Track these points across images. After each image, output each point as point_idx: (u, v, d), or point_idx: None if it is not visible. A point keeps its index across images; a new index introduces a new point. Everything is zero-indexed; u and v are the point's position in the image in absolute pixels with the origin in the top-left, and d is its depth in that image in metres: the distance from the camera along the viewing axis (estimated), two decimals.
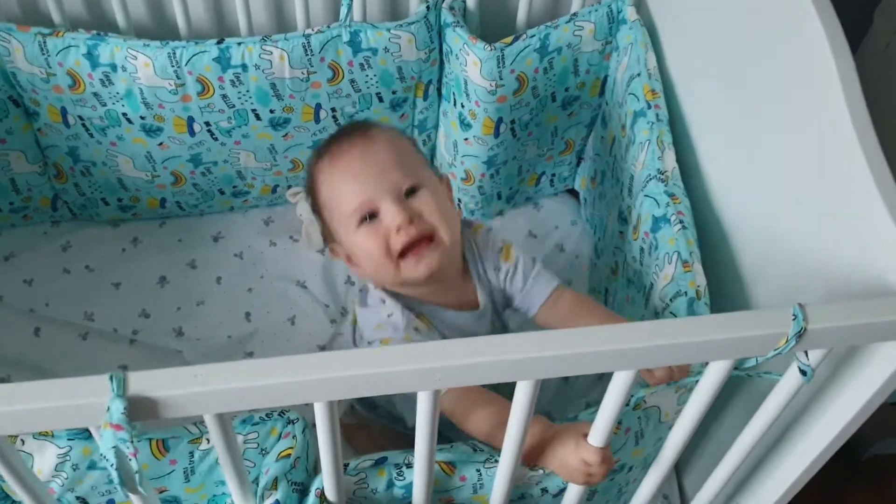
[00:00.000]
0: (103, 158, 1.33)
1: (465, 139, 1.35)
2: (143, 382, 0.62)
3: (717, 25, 1.09)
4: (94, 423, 0.63)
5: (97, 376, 0.62)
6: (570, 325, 1.01)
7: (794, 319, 0.69)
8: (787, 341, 0.70)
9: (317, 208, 1.03)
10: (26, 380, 1.21)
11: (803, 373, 0.75)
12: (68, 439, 0.82)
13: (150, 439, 0.83)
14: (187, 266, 1.43)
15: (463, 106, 1.31)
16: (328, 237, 1.04)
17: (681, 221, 1.06)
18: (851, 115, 0.81)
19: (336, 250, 1.03)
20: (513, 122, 1.32)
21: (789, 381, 0.79)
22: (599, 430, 0.79)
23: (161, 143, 1.30)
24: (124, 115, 1.26)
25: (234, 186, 1.42)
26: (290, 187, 1.46)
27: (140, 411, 0.62)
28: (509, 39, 1.23)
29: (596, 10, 1.27)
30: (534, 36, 1.24)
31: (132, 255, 1.43)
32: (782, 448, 0.94)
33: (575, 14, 1.27)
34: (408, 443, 0.80)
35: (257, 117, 1.28)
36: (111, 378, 0.61)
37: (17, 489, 0.72)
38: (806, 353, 0.74)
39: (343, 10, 1.21)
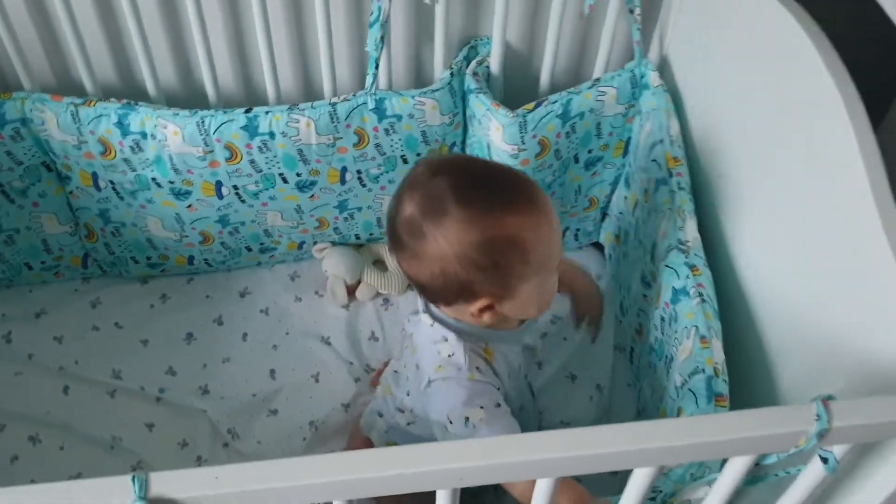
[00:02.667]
0: (133, 220, 1.36)
1: None
2: (165, 484, 0.63)
3: (743, 93, 1.09)
4: None
5: (119, 477, 0.63)
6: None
7: (817, 419, 0.69)
8: (807, 440, 0.69)
9: (509, 266, 0.94)
10: (55, 438, 1.24)
11: (825, 460, 0.75)
12: None
13: None
14: (214, 322, 1.45)
15: None
16: (494, 291, 0.96)
17: (700, 294, 1.06)
18: (873, 190, 0.81)
19: (482, 301, 0.96)
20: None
21: (812, 471, 0.78)
22: None
23: (190, 206, 1.33)
24: (153, 179, 1.28)
25: (261, 244, 1.44)
26: (315, 243, 1.47)
27: None
28: (531, 105, 1.24)
29: (619, 76, 1.27)
30: (556, 102, 1.25)
31: (160, 312, 1.46)
32: None
33: (598, 80, 1.28)
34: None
35: (284, 181, 1.30)
36: (133, 479, 0.62)
37: None
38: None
39: (369, 80, 1.23)
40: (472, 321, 0.99)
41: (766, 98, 1.03)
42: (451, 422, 0.94)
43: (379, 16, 1.18)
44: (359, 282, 1.47)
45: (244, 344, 1.43)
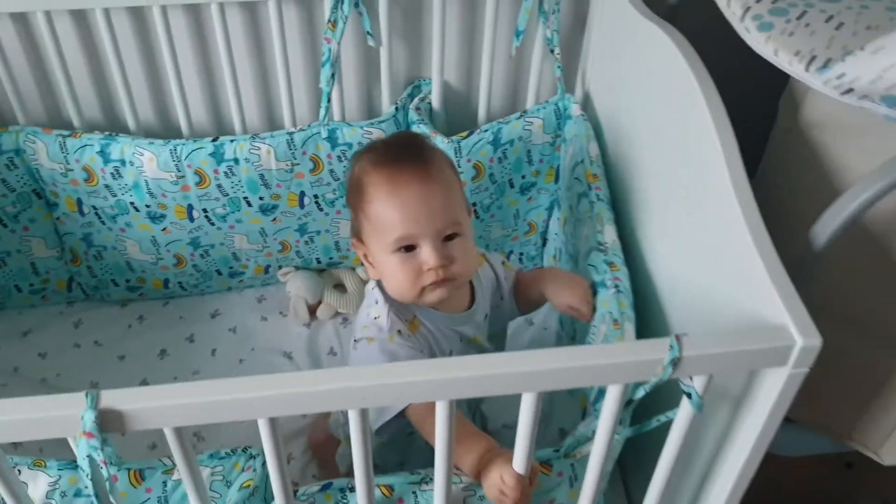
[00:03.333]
0: (113, 243, 1.51)
1: None
2: (113, 397, 0.75)
3: (649, 120, 1.24)
4: (70, 433, 0.76)
5: (75, 393, 0.76)
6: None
7: (670, 349, 0.82)
8: (664, 368, 0.82)
9: (355, 205, 1.06)
10: (33, 441, 1.35)
11: (689, 395, 0.87)
12: (58, 469, 0.96)
13: (129, 469, 0.96)
14: (186, 340, 1.58)
15: None
16: (354, 231, 1.10)
17: (616, 286, 1.19)
18: (738, 199, 0.94)
19: (358, 246, 1.10)
20: (474, 205, 1.48)
21: (683, 413, 0.90)
22: (517, 455, 0.91)
23: (164, 229, 1.48)
24: (132, 203, 1.44)
25: (231, 267, 1.58)
26: (280, 267, 1.62)
27: (110, 422, 0.75)
28: (465, 133, 1.41)
29: (544, 108, 1.44)
30: (487, 130, 1.42)
31: (137, 331, 1.59)
32: (714, 472, 1.03)
33: (525, 111, 1.45)
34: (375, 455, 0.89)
35: (248, 204, 1.46)
36: (87, 394, 0.75)
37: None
38: (691, 379, 0.86)
39: (321, 112, 1.40)
40: (375, 276, 1.09)
41: (665, 124, 1.17)
42: None
43: (329, 56, 1.35)
44: (320, 302, 1.61)
45: (213, 359, 1.55)
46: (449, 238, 1.04)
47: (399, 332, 1.06)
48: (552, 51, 1.41)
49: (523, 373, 0.80)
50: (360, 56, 1.44)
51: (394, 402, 0.81)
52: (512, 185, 1.51)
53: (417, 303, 1.07)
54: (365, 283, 1.64)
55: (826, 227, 0.95)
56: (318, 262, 1.62)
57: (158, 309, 1.63)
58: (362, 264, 1.60)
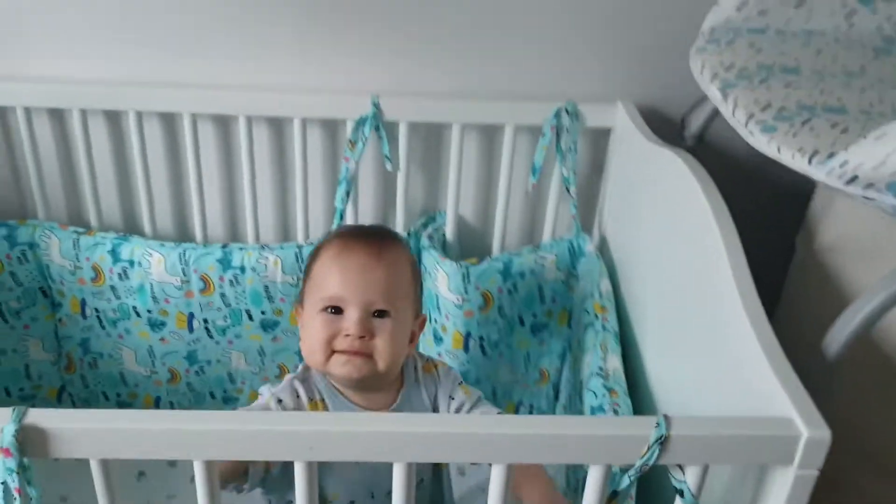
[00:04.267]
0: (110, 350, 1.48)
1: (439, 354, 1.45)
2: (40, 415, 0.70)
3: (656, 255, 1.22)
4: None
5: (4, 408, 0.70)
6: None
7: (657, 427, 0.74)
8: (650, 448, 0.73)
9: (307, 268, 1.11)
10: None
11: (681, 494, 0.77)
12: None
13: None
14: (167, 463, 1.49)
15: (436, 321, 1.43)
16: (299, 297, 1.13)
17: (615, 411, 1.11)
18: (756, 331, 0.89)
19: (298, 313, 1.11)
20: (481, 338, 1.43)
21: None
22: None
23: (162, 338, 1.45)
24: (134, 308, 1.42)
25: (225, 391, 1.53)
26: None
27: (33, 442, 0.69)
28: (475, 260, 1.39)
29: (558, 244, 1.43)
30: (497, 260, 1.40)
31: None
32: None
33: (538, 246, 1.43)
34: None
35: (250, 317, 1.43)
36: (13, 409, 0.70)
37: None
38: (682, 470, 0.77)
39: (333, 227, 1.40)
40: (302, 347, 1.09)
41: (677, 253, 1.14)
42: None
43: (346, 175, 1.38)
44: None
45: (191, 486, 1.45)
46: (379, 315, 1.04)
47: (279, 401, 1.05)
48: (567, 189, 1.42)
49: (490, 436, 0.73)
50: (378, 180, 1.47)
51: (342, 455, 0.73)
52: (522, 323, 1.46)
53: (327, 372, 1.06)
54: None
55: (837, 335, 0.89)
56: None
57: None
58: None
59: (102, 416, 0.71)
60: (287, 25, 1.34)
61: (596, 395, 1.15)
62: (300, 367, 1.11)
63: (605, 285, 1.35)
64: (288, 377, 1.09)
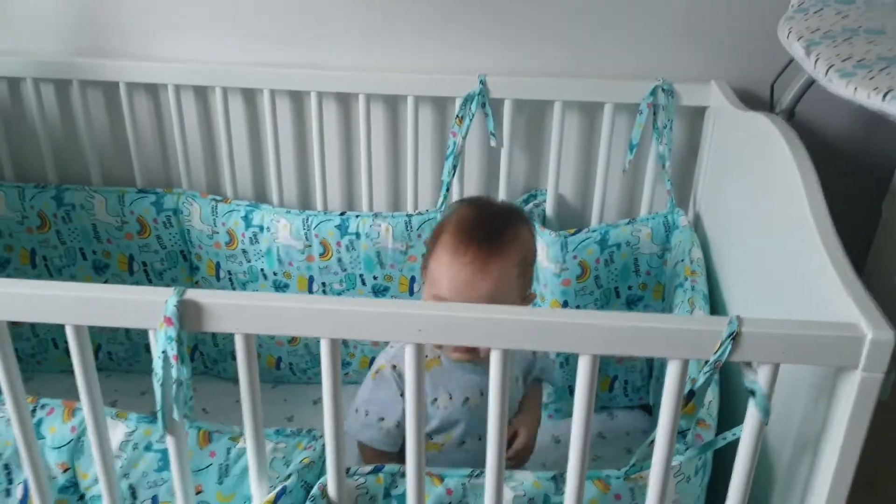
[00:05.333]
0: None
1: None
2: (196, 293, 0.83)
3: (747, 227, 1.26)
4: (152, 323, 0.83)
5: (165, 287, 0.84)
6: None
7: (729, 324, 0.80)
8: (722, 344, 0.80)
9: (430, 247, 1.18)
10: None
11: (752, 393, 0.83)
12: (137, 422, 1.01)
13: (199, 428, 1.00)
14: (285, 419, 1.62)
15: (534, 289, 1.52)
16: (424, 262, 1.21)
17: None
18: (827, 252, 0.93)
19: (424, 275, 1.20)
20: (578, 307, 1.50)
21: (749, 419, 0.85)
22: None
23: None
24: (262, 270, 1.57)
25: None
26: None
27: (189, 315, 0.82)
28: (572, 230, 1.48)
29: (653, 218, 1.50)
30: (595, 230, 1.48)
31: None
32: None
33: (634, 219, 1.51)
34: None
35: (363, 282, 1.55)
36: (175, 288, 0.83)
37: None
38: (754, 370, 0.82)
39: (440, 200, 1.52)
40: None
41: (765, 213, 1.19)
42: None
43: (453, 150, 1.50)
44: None
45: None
46: None
47: (394, 367, 1.18)
48: (663, 166, 1.49)
49: (576, 326, 0.81)
50: (482, 155, 1.58)
51: (449, 338, 0.83)
52: (618, 295, 1.53)
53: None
54: None
55: None
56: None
57: (266, 391, 1.69)
58: None
59: (247, 296, 0.83)
60: (404, 11, 1.49)
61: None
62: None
63: (696, 253, 1.40)
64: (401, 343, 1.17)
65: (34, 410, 1.04)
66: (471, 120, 1.48)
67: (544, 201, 1.57)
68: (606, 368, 1.61)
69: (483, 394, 1.18)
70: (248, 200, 1.59)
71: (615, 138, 1.51)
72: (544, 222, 1.57)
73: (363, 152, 1.53)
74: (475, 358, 1.16)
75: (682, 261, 1.39)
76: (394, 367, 1.19)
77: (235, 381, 1.68)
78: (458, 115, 1.48)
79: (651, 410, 1.64)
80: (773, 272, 1.11)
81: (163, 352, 0.84)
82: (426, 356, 1.12)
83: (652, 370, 1.62)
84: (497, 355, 0.83)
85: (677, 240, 1.47)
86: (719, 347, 0.80)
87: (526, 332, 0.81)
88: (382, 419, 1.19)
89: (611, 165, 1.53)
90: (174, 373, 0.84)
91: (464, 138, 1.49)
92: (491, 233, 1.16)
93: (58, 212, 1.58)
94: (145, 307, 0.83)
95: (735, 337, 0.80)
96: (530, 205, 1.56)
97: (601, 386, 1.63)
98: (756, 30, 1.44)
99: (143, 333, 1.62)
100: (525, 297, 1.20)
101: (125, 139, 1.59)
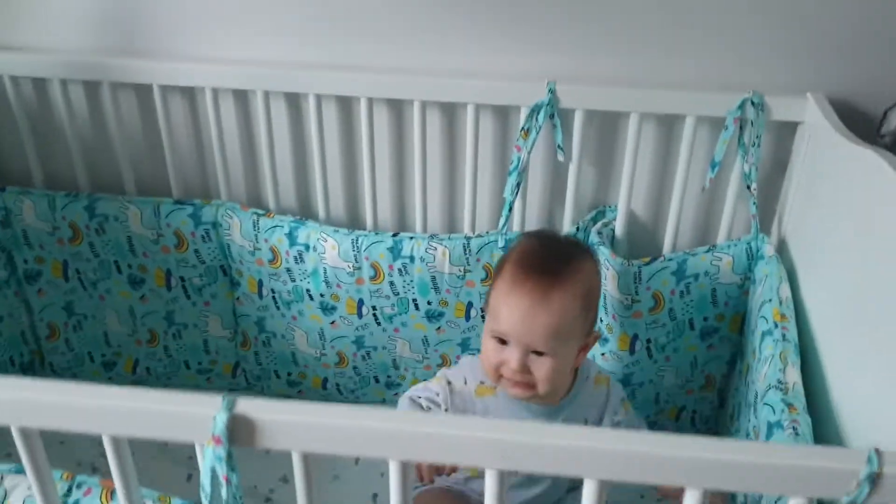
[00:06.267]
0: (283, 331, 1.53)
1: (602, 354, 1.42)
2: (248, 405, 0.72)
3: (859, 266, 1.13)
4: (199, 437, 0.73)
5: (211, 395, 0.73)
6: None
7: (867, 462, 0.68)
8: (858, 485, 0.68)
9: (494, 278, 1.17)
10: None
11: None
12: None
13: None
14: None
15: (601, 320, 1.40)
16: (487, 300, 1.19)
17: (794, 428, 1.04)
18: None
19: (486, 311, 1.18)
20: (648, 341, 1.39)
21: None
22: None
23: (333, 322, 1.49)
24: (307, 291, 1.47)
25: (388, 376, 1.56)
26: None
27: (240, 431, 0.72)
28: (647, 259, 1.35)
29: (735, 245, 1.36)
30: (671, 260, 1.35)
31: None
32: None
33: (714, 246, 1.37)
34: None
35: (416, 307, 1.44)
36: (223, 397, 0.73)
37: None
38: None
39: (501, 220, 1.39)
40: None
41: (872, 272, 1.06)
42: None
43: (518, 164, 1.36)
44: None
45: (356, 467, 1.49)
46: (539, 353, 1.10)
47: (448, 382, 1.19)
48: (748, 187, 1.35)
49: (687, 460, 0.69)
50: (547, 171, 1.45)
51: (538, 466, 0.72)
52: (692, 327, 1.41)
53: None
54: None
55: None
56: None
57: None
58: None
59: (306, 409, 0.72)
60: (465, 10, 1.34)
61: (774, 410, 1.09)
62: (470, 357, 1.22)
63: (785, 291, 1.27)
64: (464, 359, 1.24)
65: (69, 490, 0.95)
66: (537, 133, 1.34)
67: (613, 220, 1.44)
68: (675, 398, 1.50)
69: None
70: (292, 215, 1.47)
71: (695, 154, 1.37)
72: (612, 243, 1.44)
73: (417, 165, 1.41)
74: (532, 396, 1.13)
75: (770, 301, 1.26)
76: (449, 382, 1.20)
77: (280, 397, 1.62)
78: (523, 128, 1.35)
79: None
80: (877, 326, 0.98)
81: (211, 468, 0.74)
82: (481, 382, 1.18)
83: (723, 401, 1.50)
84: (592, 486, 0.72)
85: (762, 272, 1.33)
86: (855, 489, 0.69)
87: (628, 463, 0.70)
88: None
89: (689, 184, 1.39)
90: (224, 493, 0.74)
91: (529, 153, 1.36)
92: (554, 263, 1.13)
93: (90, 223, 1.47)
94: (191, 421, 0.73)
95: (874, 478, 0.68)
96: (598, 224, 1.43)
97: (668, 414, 1.52)
98: (863, 37, 1.28)
99: (184, 349, 1.57)
100: (589, 335, 1.16)
101: (160, 145, 1.48)
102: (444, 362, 1.53)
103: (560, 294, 1.10)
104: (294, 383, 1.60)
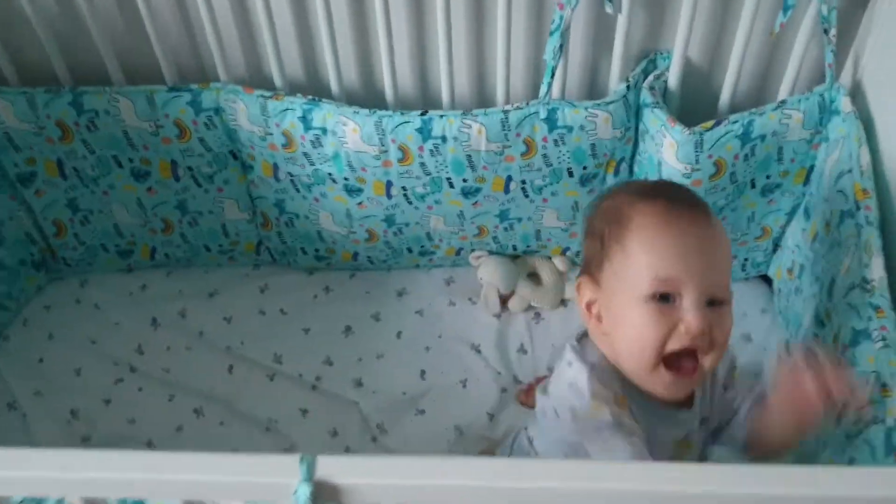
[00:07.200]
0: (306, 212, 1.42)
1: None
2: (331, 467, 0.65)
3: None
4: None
5: (288, 456, 0.65)
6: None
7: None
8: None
9: (607, 236, 0.89)
10: (217, 414, 1.29)
11: None
12: None
13: None
14: (372, 318, 1.49)
15: None
16: (587, 268, 0.93)
17: (884, 338, 0.99)
18: None
19: (585, 286, 0.91)
20: None
21: None
22: None
23: (360, 203, 1.37)
24: (329, 174, 1.33)
25: (422, 246, 1.47)
26: (473, 251, 1.49)
27: (324, 495, 0.65)
28: (710, 124, 1.20)
29: (807, 99, 1.21)
30: (736, 122, 1.20)
31: (323, 303, 1.51)
32: None
33: (783, 101, 1.22)
34: None
35: (451, 185, 1.32)
36: (301, 459, 0.65)
37: None
38: None
39: (543, 89, 1.23)
40: (596, 333, 0.91)
41: None
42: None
43: (560, 24, 1.18)
44: (512, 292, 1.47)
45: (398, 342, 1.46)
46: (714, 304, 0.85)
47: (612, 399, 0.85)
48: (826, 31, 1.17)
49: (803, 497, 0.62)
50: (589, 25, 1.25)
51: None
52: (753, 186, 1.30)
53: (640, 380, 0.87)
54: (561, 274, 1.48)
55: None
56: (514, 248, 1.48)
57: (345, 281, 1.54)
58: (562, 254, 1.48)
59: (398, 468, 0.65)
60: None
61: (860, 315, 1.03)
62: (577, 361, 0.89)
63: (865, 157, 1.15)
64: (580, 371, 0.88)
65: None
66: None
67: (667, 70, 1.28)
68: None
69: (674, 441, 0.92)
70: (302, 93, 1.30)
71: None
72: (665, 96, 1.28)
73: (441, 29, 1.20)
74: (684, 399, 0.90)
75: (850, 172, 1.14)
76: (611, 399, 0.86)
77: (308, 271, 1.54)
78: None
79: (771, 281, 1.48)
80: None
81: None
82: (610, 390, 0.86)
83: (777, 247, 1.43)
84: None
85: (838, 131, 1.20)
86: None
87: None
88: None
89: (755, 28, 1.20)
90: None
91: (573, 9, 1.16)
92: (689, 193, 0.93)
93: (79, 120, 1.30)
94: (269, 490, 0.66)
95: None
96: (650, 78, 1.27)
97: None
98: None
99: (201, 234, 1.46)
100: None
101: (141, 26, 1.26)
102: (481, 232, 1.43)
103: (718, 227, 0.88)
104: (322, 258, 1.51)
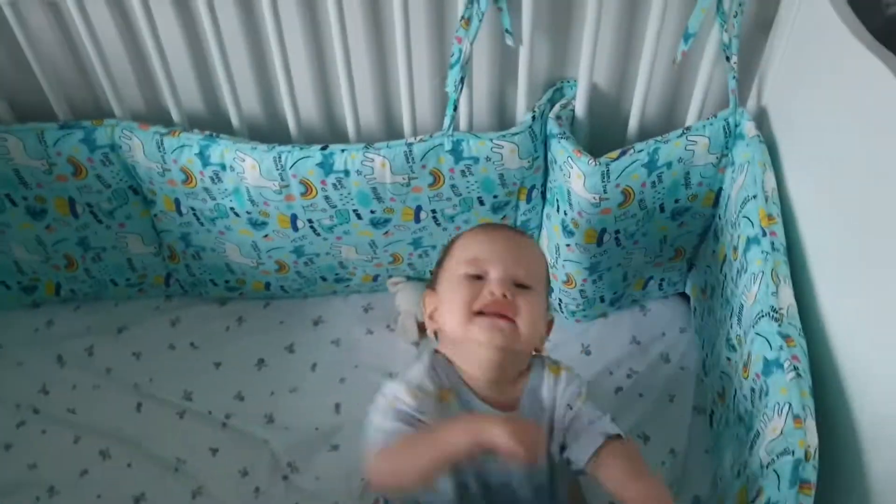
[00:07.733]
0: (212, 245, 1.38)
1: (567, 245, 1.30)
2: None
3: (844, 149, 1.00)
4: None
5: None
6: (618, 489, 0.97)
7: None
8: None
9: (440, 261, 1.12)
10: (124, 455, 1.26)
11: None
12: None
13: None
14: (286, 350, 1.45)
15: (566, 213, 1.27)
16: (430, 286, 1.13)
17: (795, 368, 0.98)
18: None
19: (428, 300, 1.11)
20: (617, 232, 1.27)
21: None
22: None
23: (266, 235, 1.34)
24: (232, 209, 1.30)
25: (336, 274, 1.44)
26: (390, 276, 1.46)
27: None
28: (615, 154, 1.19)
29: (711, 124, 1.20)
30: (642, 151, 1.19)
31: (235, 335, 1.47)
32: None
33: (688, 128, 1.21)
34: None
35: (358, 217, 1.29)
36: None
37: None
38: None
39: (446, 121, 1.20)
40: (433, 329, 1.11)
41: (869, 153, 0.94)
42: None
43: (459, 58, 1.15)
44: None
45: (313, 374, 1.42)
46: (521, 288, 1.04)
47: (418, 387, 1.00)
48: (728, 58, 1.16)
49: None
50: (493, 55, 1.23)
51: None
52: (662, 210, 1.29)
53: (463, 337, 1.02)
54: None
55: None
56: (432, 274, 1.45)
57: (258, 311, 1.50)
58: None
59: None
60: None
61: (770, 345, 1.02)
62: (426, 355, 1.08)
63: (770, 181, 1.15)
64: (421, 367, 1.05)
65: None
66: (480, 20, 1.12)
67: (573, 99, 1.26)
68: (643, 272, 1.41)
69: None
70: (200, 129, 1.25)
71: (666, 24, 1.15)
72: (573, 124, 1.27)
73: (340, 64, 1.17)
74: (510, 339, 1.02)
75: (755, 197, 1.13)
76: (417, 387, 1.03)
77: (220, 302, 1.50)
78: (463, 17, 1.12)
79: (689, 298, 1.48)
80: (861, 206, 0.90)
81: None
82: (438, 386, 1.02)
83: (692, 266, 1.43)
84: None
85: (743, 156, 1.19)
86: None
87: None
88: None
89: (658, 56, 1.19)
90: None
91: (471, 43, 1.14)
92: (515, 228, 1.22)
93: None
94: None
95: None
96: (556, 107, 1.25)
97: (634, 286, 1.45)
98: None
99: (107, 269, 1.41)
100: (548, 310, 1.12)
101: (24, 60, 1.21)
102: (396, 260, 1.41)
103: (535, 244, 1.15)
104: (233, 288, 1.47)
